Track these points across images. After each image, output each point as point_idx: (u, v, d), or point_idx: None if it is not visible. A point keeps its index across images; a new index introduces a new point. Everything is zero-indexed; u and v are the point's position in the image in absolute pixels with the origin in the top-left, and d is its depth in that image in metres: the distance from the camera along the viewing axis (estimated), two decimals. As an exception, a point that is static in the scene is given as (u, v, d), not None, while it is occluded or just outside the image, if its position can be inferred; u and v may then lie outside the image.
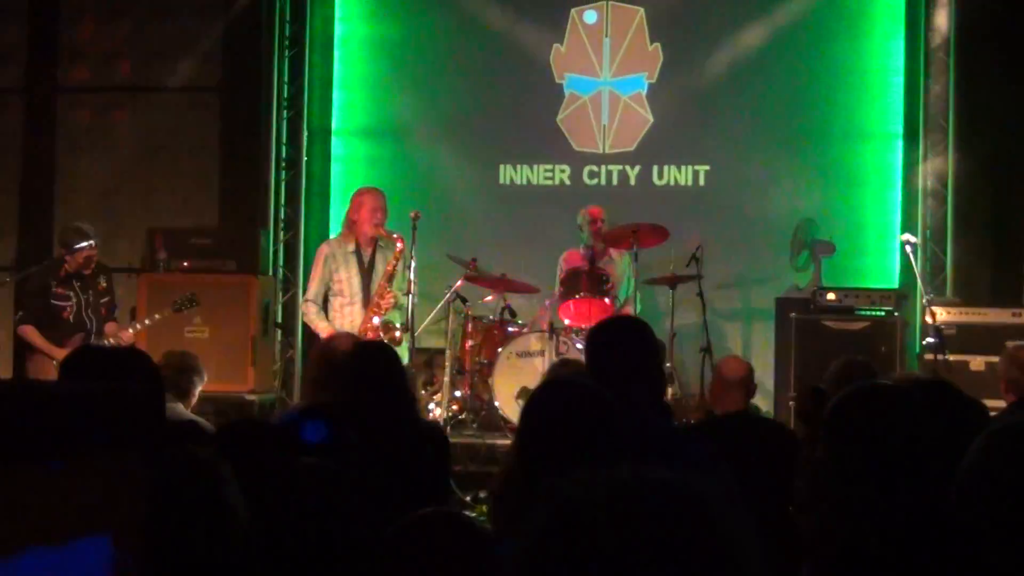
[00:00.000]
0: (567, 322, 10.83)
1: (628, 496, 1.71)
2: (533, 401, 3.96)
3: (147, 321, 10.24)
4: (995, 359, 9.18)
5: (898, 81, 12.41)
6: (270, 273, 12.49)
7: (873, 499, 3.12)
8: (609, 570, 1.66)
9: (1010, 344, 8.74)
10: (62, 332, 9.97)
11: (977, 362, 10.05)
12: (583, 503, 1.72)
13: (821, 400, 5.88)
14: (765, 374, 11.60)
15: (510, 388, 10.46)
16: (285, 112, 13.04)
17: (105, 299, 10.32)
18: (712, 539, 1.69)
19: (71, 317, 10.08)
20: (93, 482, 2.25)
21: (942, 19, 12.05)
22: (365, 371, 5.66)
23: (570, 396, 3.85)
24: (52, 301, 10.07)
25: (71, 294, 10.10)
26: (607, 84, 12.89)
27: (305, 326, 10.88)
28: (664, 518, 1.69)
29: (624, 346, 4.55)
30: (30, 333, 9.94)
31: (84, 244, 10.06)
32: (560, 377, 4.68)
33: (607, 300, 10.77)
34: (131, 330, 10.18)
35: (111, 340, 9.95)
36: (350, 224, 9.91)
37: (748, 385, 6.99)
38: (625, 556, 1.67)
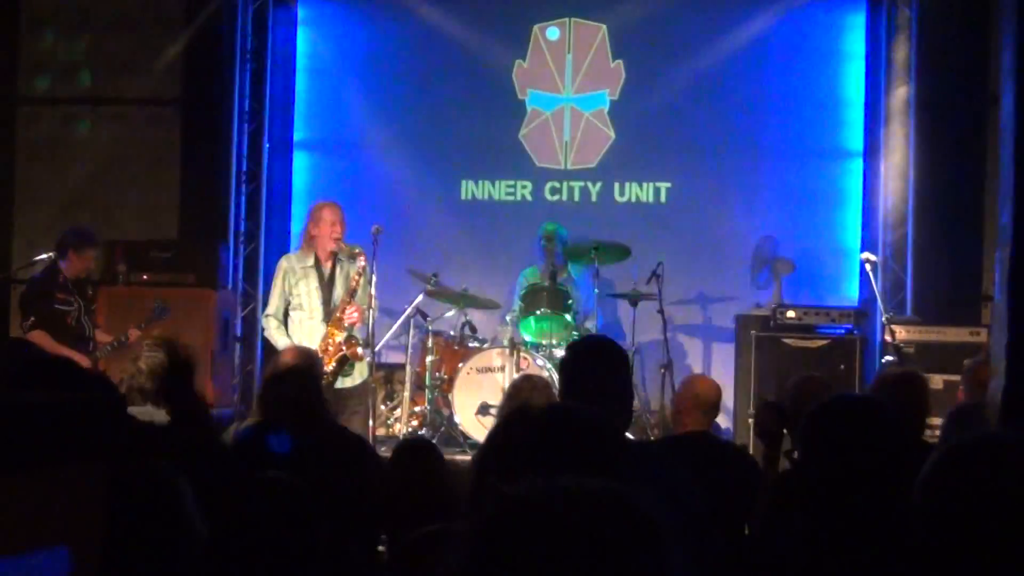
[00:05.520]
0: (528, 338, 10.83)
1: (566, 502, 1.75)
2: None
3: (132, 334, 10.17)
4: (954, 377, 9.22)
5: (859, 101, 12.48)
6: (230, 286, 12.45)
7: (842, 510, 3.14)
8: (545, 571, 1.70)
9: (968, 361, 8.78)
10: (66, 338, 9.96)
11: (936, 380, 10.07)
12: (524, 507, 1.75)
13: (779, 416, 5.87)
14: (725, 391, 11.60)
15: (470, 403, 10.45)
16: (246, 125, 13.00)
17: (93, 307, 10.38)
18: (641, 548, 1.74)
19: (73, 323, 10.11)
20: (52, 493, 2.23)
21: (903, 40, 12.12)
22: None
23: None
24: (56, 307, 10.08)
25: (72, 300, 10.14)
26: (569, 100, 12.91)
27: (265, 340, 10.83)
28: (598, 525, 1.75)
29: (594, 365, 4.59)
30: (43, 338, 9.89)
31: (93, 248, 10.18)
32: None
33: (568, 316, 10.78)
34: (137, 330, 10.15)
35: (120, 338, 9.99)
36: (309, 238, 9.86)
37: (717, 408, 6.94)
38: (561, 559, 1.72)
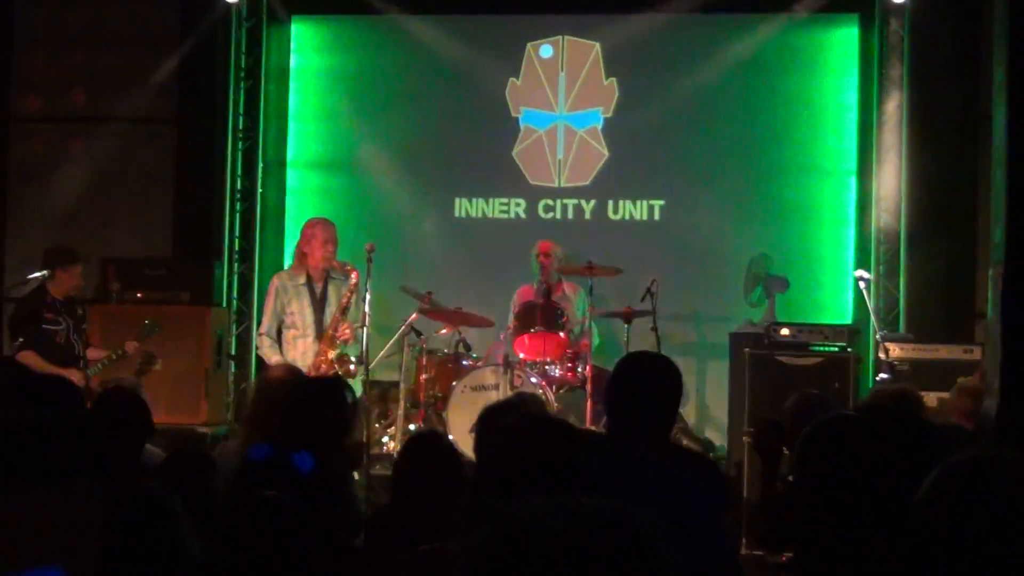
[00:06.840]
0: (522, 356, 10.81)
1: (568, 523, 1.75)
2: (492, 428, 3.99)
3: (129, 347, 10.19)
4: (948, 395, 9.22)
5: (852, 118, 12.49)
6: (224, 305, 12.44)
7: (840, 526, 3.14)
8: None
9: (961, 379, 8.79)
10: (55, 357, 9.95)
11: (930, 398, 10.05)
12: (526, 528, 1.75)
13: (778, 434, 5.86)
14: (719, 409, 11.62)
15: (464, 421, 10.41)
16: (240, 144, 13.00)
17: (84, 325, 10.38)
18: (641, 567, 1.74)
19: (62, 341, 10.11)
20: (46, 513, 2.22)
21: (896, 58, 12.14)
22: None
23: (530, 426, 3.86)
24: (44, 326, 10.09)
25: (60, 319, 10.13)
26: (562, 118, 12.90)
27: (259, 358, 10.82)
28: (600, 545, 1.73)
29: (650, 386, 4.57)
30: (33, 359, 9.85)
31: (78, 265, 10.19)
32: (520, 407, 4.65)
33: (562, 334, 10.78)
34: (136, 342, 10.18)
35: (117, 351, 10.03)
36: (301, 256, 9.86)
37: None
38: None
